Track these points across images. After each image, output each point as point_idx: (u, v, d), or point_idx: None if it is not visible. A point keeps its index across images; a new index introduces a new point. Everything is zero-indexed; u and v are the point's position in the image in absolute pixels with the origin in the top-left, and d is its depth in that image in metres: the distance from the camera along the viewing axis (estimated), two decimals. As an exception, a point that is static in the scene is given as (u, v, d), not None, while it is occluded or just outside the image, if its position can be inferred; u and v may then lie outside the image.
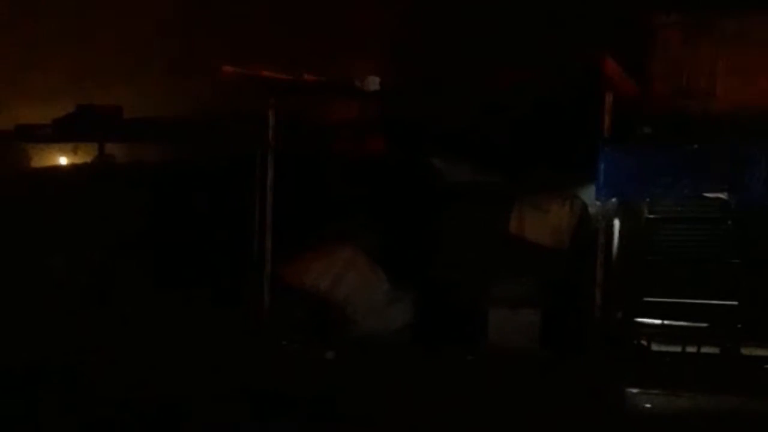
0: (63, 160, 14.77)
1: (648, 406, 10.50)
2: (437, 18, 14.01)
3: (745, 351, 11.24)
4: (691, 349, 11.36)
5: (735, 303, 11.34)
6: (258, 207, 12.55)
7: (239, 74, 12.27)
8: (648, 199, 11.75)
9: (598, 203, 11.63)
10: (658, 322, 11.51)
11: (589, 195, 12.04)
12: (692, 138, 11.26)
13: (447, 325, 11.90)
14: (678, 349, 11.39)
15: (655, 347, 11.55)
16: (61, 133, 13.94)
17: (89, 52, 14.93)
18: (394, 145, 12.67)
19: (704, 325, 11.38)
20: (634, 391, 10.53)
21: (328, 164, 12.79)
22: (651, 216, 11.85)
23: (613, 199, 11.57)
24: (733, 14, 11.79)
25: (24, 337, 11.61)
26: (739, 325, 11.32)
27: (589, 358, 11.07)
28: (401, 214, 12.48)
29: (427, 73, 12.87)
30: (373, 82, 12.32)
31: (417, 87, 12.51)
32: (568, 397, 10.36)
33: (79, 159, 14.56)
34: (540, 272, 11.92)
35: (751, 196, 11.09)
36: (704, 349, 11.36)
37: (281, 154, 12.38)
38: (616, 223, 11.67)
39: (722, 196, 11.40)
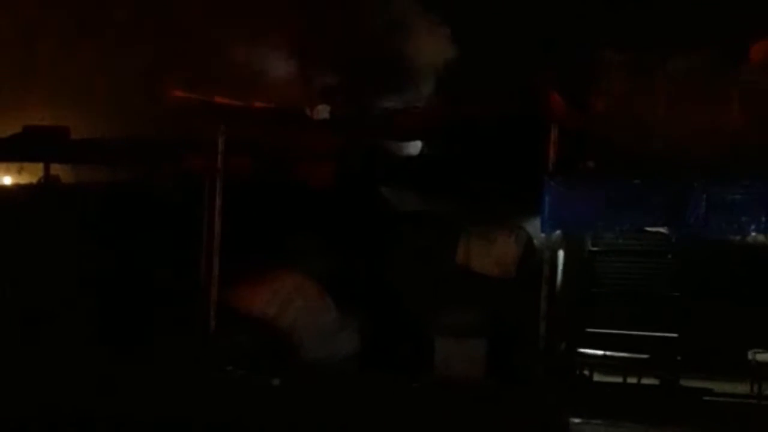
0: (7, 180, 14.62)
1: (590, 436, 10.69)
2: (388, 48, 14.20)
3: (684, 382, 11.52)
4: (632, 380, 11.64)
5: (675, 335, 11.63)
6: (205, 232, 12.53)
7: (190, 99, 12.30)
8: (591, 232, 12.01)
9: (542, 235, 11.83)
10: (600, 352, 11.76)
11: (534, 227, 12.22)
12: (634, 173, 11.52)
13: (394, 353, 11.98)
14: (619, 379, 11.65)
15: (597, 377, 11.80)
16: (6, 153, 13.81)
17: (36, 73, 14.82)
18: (343, 173, 12.74)
19: (645, 356, 11.64)
20: (577, 421, 10.70)
21: (277, 191, 12.80)
22: (594, 249, 12.13)
23: (558, 232, 11.80)
24: (676, 53, 12.11)
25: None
26: (678, 357, 11.60)
27: (533, 387, 11.23)
28: (350, 242, 12.54)
29: (377, 103, 13.03)
30: (324, 111, 12.44)
31: (366, 116, 12.65)
32: (512, 427, 10.50)
33: (23, 179, 14.41)
34: (486, 302, 12.05)
35: (691, 231, 11.35)
36: (645, 380, 11.63)
37: (230, 179, 12.39)
38: (560, 255, 11.90)
39: (663, 230, 11.69)
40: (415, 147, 13.36)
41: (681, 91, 12.01)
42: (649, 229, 11.73)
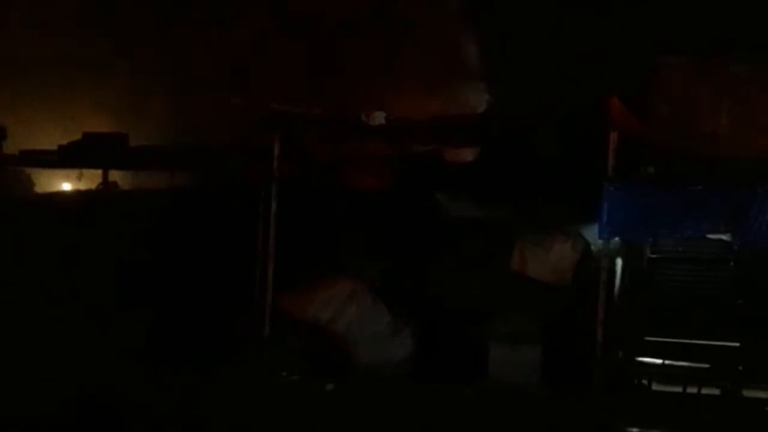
0: (67, 186, 14.80)
1: (648, 446, 10.50)
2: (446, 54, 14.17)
3: (746, 393, 11.24)
4: (691, 390, 11.37)
5: (736, 344, 11.36)
6: (261, 237, 12.57)
7: (247, 106, 12.35)
8: (650, 239, 11.80)
9: (600, 242, 11.65)
10: (659, 361, 11.51)
11: (592, 233, 12.05)
12: (695, 179, 11.31)
13: (448, 359, 11.88)
14: (679, 389, 11.40)
15: (655, 387, 11.56)
16: (66, 160, 13.97)
17: (94, 80, 14.99)
18: (399, 180, 12.71)
19: (705, 365, 11.38)
20: (634, 430, 10.51)
21: (333, 197, 12.82)
22: (653, 255, 11.88)
23: (616, 238, 11.61)
24: (737, 57, 11.90)
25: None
26: (740, 367, 11.33)
27: (589, 396, 11.05)
28: (404, 248, 12.51)
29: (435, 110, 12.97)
30: (379, 117, 12.40)
31: (423, 123, 12.59)
32: (567, 436, 10.37)
33: (83, 185, 14.57)
34: (541, 309, 11.92)
35: (754, 238, 11.11)
36: (705, 390, 11.37)
37: (286, 185, 12.42)
38: (618, 262, 11.71)
39: (724, 237, 11.44)
40: (472, 153, 13.27)
41: (743, 94, 11.79)
42: (710, 236, 11.48)
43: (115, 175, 14.15)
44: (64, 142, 13.79)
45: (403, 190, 12.74)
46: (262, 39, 14.66)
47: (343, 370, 11.92)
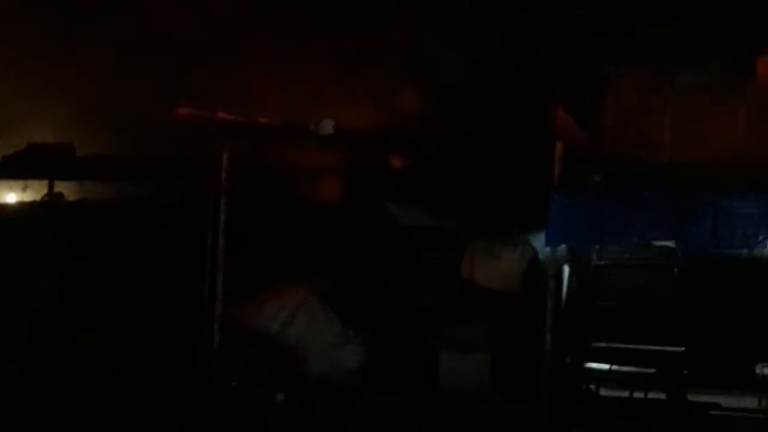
0: (11, 197, 14.64)
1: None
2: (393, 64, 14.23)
3: (691, 397, 11.41)
4: (638, 395, 11.52)
5: (682, 349, 11.54)
6: (210, 248, 12.52)
7: (195, 115, 12.31)
8: (597, 246, 11.95)
9: (548, 249, 11.77)
10: (606, 367, 11.67)
11: (539, 241, 12.16)
12: (640, 187, 11.47)
13: (398, 368, 11.92)
14: (626, 394, 11.54)
15: (603, 392, 11.70)
16: (11, 170, 13.84)
17: (40, 90, 14.86)
18: (348, 189, 12.73)
19: (652, 370, 11.55)
20: (583, 436, 10.63)
21: (281, 206, 12.80)
22: (600, 262, 12.05)
23: (563, 246, 11.73)
24: (683, 68, 12.11)
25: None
26: (685, 371, 11.51)
27: (538, 402, 11.15)
28: (354, 257, 12.52)
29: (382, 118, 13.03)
30: (328, 126, 12.43)
31: (371, 131, 12.64)
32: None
33: (28, 196, 14.43)
34: (490, 316, 12.00)
35: (698, 245, 11.27)
36: (651, 395, 11.53)
37: (235, 195, 12.40)
38: (566, 269, 11.84)
39: (669, 244, 11.62)
40: (419, 161, 13.33)
41: (688, 105, 12.00)
42: (655, 242, 11.66)
43: (60, 186, 14.02)
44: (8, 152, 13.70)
45: (352, 198, 12.75)
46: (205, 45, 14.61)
47: (294, 380, 11.90)
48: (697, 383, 11.42)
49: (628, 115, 12.12)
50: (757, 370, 11.34)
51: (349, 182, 12.73)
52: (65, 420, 11.40)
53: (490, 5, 14.11)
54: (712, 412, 11.15)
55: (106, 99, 14.63)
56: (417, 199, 12.80)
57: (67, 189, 14.13)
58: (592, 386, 11.74)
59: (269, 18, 14.69)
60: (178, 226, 12.91)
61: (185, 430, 11.48)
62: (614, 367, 11.63)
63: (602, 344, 11.74)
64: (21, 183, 14.42)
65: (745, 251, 11.26)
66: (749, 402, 11.35)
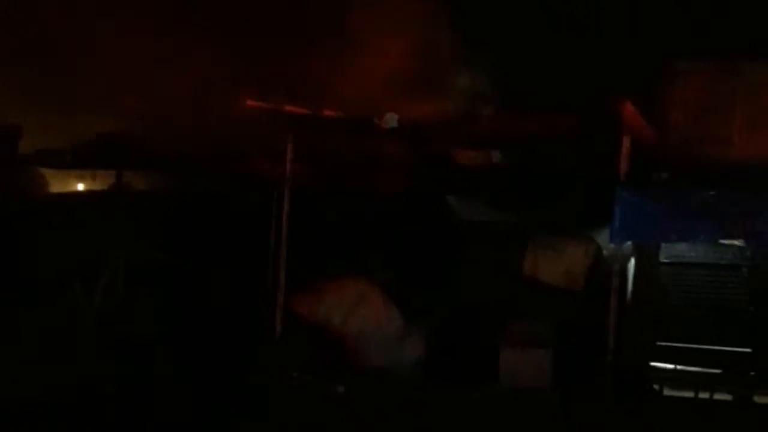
0: (80, 186, 14.85)
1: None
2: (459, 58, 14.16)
3: (757, 399, 11.21)
4: (703, 395, 11.34)
5: (748, 350, 11.32)
6: (273, 239, 12.59)
7: (262, 108, 12.36)
8: (663, 244, 11.76)
9: (612, 246, 11.63)
10: (671, 366, 11.48)
11: (604, 238, 12.02)
12: (709, 184, 11.28)
13: (458, 362, 11.86)
14: (690, 394, 11.36)
15: (667, 392, 11.52)
16: (80, 160, 14.03)
17: (110, 79, 15.00)
18: (411, 182, 12.71)
19: (717, 371, 11.35)
20: (645, 436, 10.48)
21: (345, 199, 12.83)
22: (665, 261, 11.85)
23: (628, 243, 11.58)
24: (753, 63, 11.87)
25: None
26: (752, 373, 11.29)
27: (600, 401, 11.02)
28: (417, 251, 12.50)
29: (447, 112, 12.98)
30: (392, 119, 12.39)
31: (436, 125, 12.58)
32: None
33: (96, 186, 14.62)
34: (553, 313, 11.89)
35: (767, 244, 11.07)
36: (717, 396, 11.33)
37: (298, 187, 12.44)
38: (631, 266, 11.68)
39: (738, 243, 11.41)
40: (486, 157, 13.27)
41: (758, 99, 11.76)
42: (723, 241, 11.45)
43: (127, 176, 14.18)
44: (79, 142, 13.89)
45: (415, 192, 12.73)
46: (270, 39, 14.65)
47: (354, 372, 11.91)
48: (763, 385, 11.20)
49: (697, 111, 11.90)
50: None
51: (412, 176, 12.70)
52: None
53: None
54: (778, 415, 10.96)
55: (173, 90, 14.74)
56: (480, 194, 12.75)
57: (134, 180, 14.33)
58: (657, 386, 11.57)
59: (337, 12, 14.73)
60: (243, 216, 13.01)
61: (247, 422, 11.52)
62: (679, 367, 11.44)
63: (667, 343, 11.54)
64: (90, 173, 14.62)
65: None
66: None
